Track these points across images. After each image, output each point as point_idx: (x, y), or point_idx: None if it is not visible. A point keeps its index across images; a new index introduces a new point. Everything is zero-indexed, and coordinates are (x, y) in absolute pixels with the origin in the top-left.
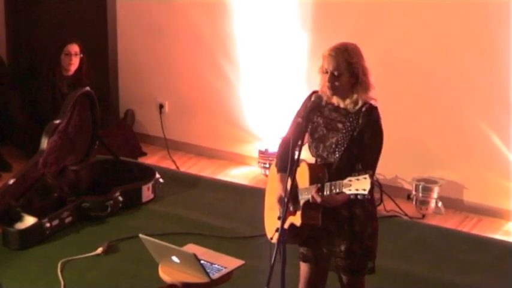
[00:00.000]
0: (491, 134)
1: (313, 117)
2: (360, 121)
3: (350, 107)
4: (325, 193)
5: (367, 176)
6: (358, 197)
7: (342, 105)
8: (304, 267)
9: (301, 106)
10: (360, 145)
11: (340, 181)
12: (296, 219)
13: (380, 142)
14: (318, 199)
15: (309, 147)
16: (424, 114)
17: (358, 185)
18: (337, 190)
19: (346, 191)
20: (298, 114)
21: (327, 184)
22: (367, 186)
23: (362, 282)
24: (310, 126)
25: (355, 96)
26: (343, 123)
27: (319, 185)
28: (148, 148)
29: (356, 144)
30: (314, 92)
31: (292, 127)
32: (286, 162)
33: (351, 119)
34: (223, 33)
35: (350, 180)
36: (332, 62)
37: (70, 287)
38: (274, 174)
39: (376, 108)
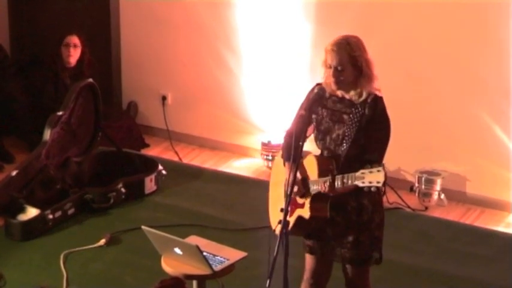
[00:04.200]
0: (494, 126)
1: (316, 109)
2: (367, 111)
3: (355, 98)
4: (336, 186)
5: (380, 168)
6: (372, 189)
7: (346, 96)
8: (309, 259)
9: (305, 98)
10: (367, 135)
11: (353, 174)
12: (304, 212)
13: (388, 132)
14: (328, 191)
15: (315, 140)
16: (426, 106)
17: (371, 178)
18: (350, 183)
19: (359, 183)
20: (301, 107)
21: (338, 177)
22: (381, 179)
23: (367, 273)
24: (315, 119)
25: (359, 88)
26: (349, 115)
27: (329, 178)
28: (151, 140)
29: (363, 134)
30: (318, 84)
31: (296, 119)
32: (291, 154)
33: (356, 110)
34: (226, 25)
35: (363, 173)
36: (335, 57)
37: (73, 278)
38: (280, 166)
39: (381, 98)
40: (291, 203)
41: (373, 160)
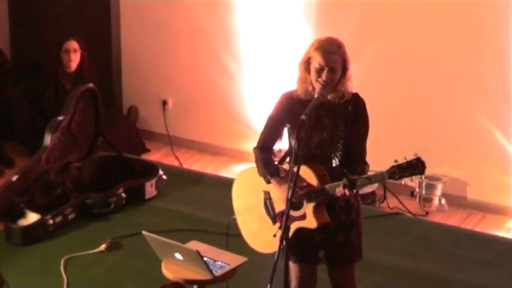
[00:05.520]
0: (495, 131)
1: (290, 117)
2: (350, 108)
3: (336, 100)
4: (356, 187)
5: (418, 157)
6: (402, 181)
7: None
8: (295, 267)
9: (274, 109)
10: (353, 133)
11: (381, 172)
12: (309, 223)
13: (369, 126)
14: (348, 194)
15: (295, 148)
16: (426, 111)
17: (411, 170)
18: (385, 179)
19: (396, 177)
20: (271, 118)
21: (359, 178)
22: (421, 168)
23: (354, 272)
24: (290, 127)
25: (341, 90)
26: (331, 117)
27: (344, 181)
28: (151, 145)
29: (349, 133)
30: (286, 93)
31: (267, 131)
32: (274, 166)
33: (339, 111)
34: (227, 30)
35: (399, 166)
36: (330, 59)
37: (73, 283)
38: (249, 188)
39: (357, 94)
40: (281, 219)
41: (362, 155)
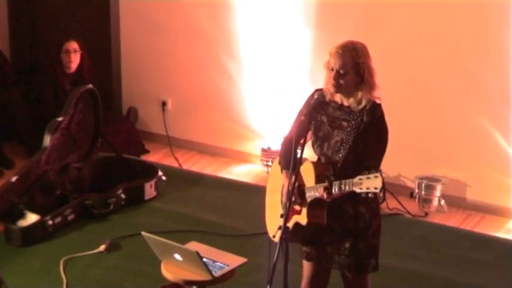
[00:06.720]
0: (494, 132)
1: (315, 115)
2: (365, 118)
3: (354, 105)
4: (333, 191)
5: (378, 174)
6: (369, 195)
7: (345, 103)
8: (307, 266)
9: (304, 104)
10: (364, 142)
11: (350, 180)
12: (301, 218)
13: (385, 139)
14: (326, 197)
15: (313, 145)
16: (426, 112)
17: (369, 184)
18: (347, 189)
19: (357, 189)
20: (300, 113)
21: (335, 183)
22: (379, 185)
23: (365, 280)
24: (313, 125)
25: (359, 95)
26: (348, 122)
27: (326, 183)
28: (151, 145)
29: (361, 141)
30: (317, 90)
31: (295, 125)
32: (290, 160)
33: (355, 117)
34: (226, 31)
35: (360, 179)
36: (339, 60)
37: (72, 284)
38: (277, 173)
39: (379, 105)
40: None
41: (371, 167)
